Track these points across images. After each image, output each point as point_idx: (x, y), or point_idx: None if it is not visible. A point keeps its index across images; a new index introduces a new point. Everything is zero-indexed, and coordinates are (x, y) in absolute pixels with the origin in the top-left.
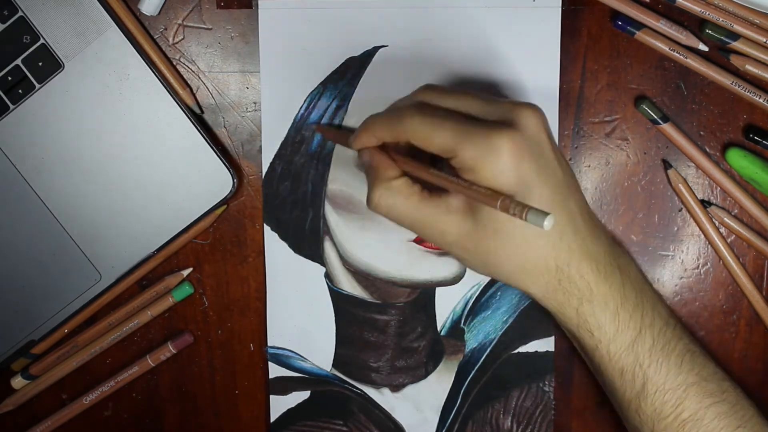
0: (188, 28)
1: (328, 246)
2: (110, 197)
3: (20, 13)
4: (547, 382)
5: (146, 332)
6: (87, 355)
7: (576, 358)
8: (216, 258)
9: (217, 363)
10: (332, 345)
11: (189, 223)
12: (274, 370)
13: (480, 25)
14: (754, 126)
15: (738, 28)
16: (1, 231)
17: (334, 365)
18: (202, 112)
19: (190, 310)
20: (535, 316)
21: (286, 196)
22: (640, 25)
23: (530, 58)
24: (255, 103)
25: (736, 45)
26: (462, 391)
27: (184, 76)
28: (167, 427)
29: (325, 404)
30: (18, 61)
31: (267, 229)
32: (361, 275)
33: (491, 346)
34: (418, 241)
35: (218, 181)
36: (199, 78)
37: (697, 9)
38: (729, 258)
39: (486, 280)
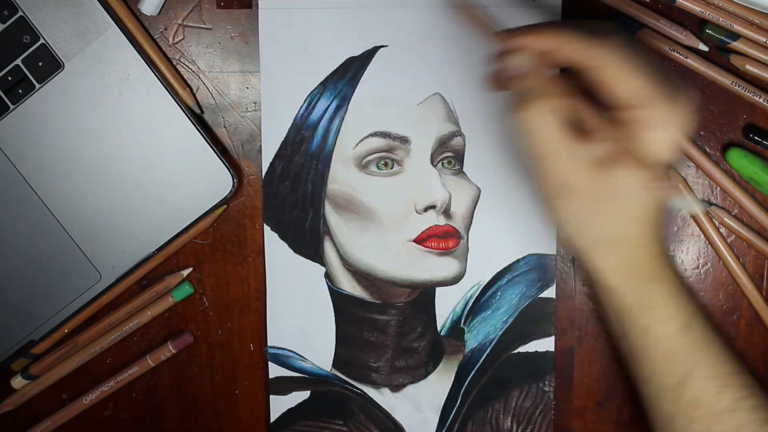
0: (188, 28)
1: (328, 246)
2: (110, 197)
3: (20, 13)
4: (547, 382)
5: (146, 332)
6: (87, 355)
7: (576, 358)
8: (216, 258)
9: (217, 363)
10: (332, 345)
11: (189, 223)
12: (274, 370)
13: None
14: (754, 126)
15: (738, 28)
16: (1, 231)
17: (334, 365)
18: (202, 112)
19: (190, 310)
20: (535, 316)
21: (286, 196)
22: (640, 25)
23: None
24: (255, 103)
25: (736, 45)
26: (462, 391)
27: (184, 76)
28: (167, 427)
29: (325, 404)
30: (18, 61)
31: (267, 229)
32: (361, 275)
33: (491, 346)
34: (418, 240)
35: (218, 181)
36: (199, 78)
37: (697, 9)
38: (729, 258)
39: (486, 280)
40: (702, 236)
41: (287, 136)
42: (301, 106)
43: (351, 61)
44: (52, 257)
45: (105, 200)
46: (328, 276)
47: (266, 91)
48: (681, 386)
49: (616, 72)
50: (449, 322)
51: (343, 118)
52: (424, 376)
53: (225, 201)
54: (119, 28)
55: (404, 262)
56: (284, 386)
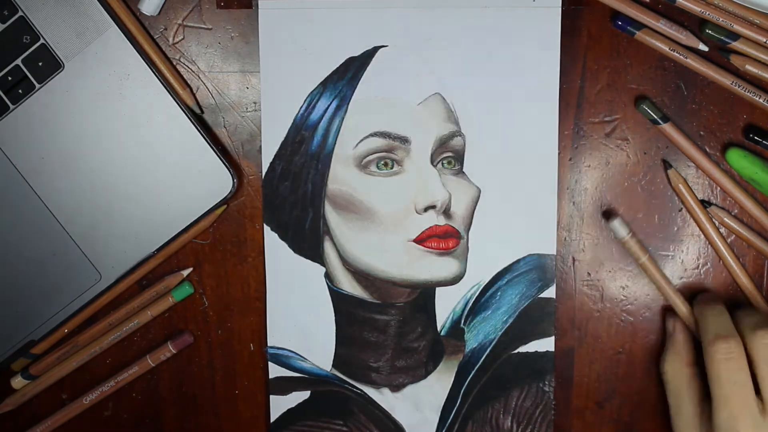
0: (188, 28)
1: (328, 246)
2: (110, 197)
3: (20, 13)
4: (547, 382)
5: (146, 332)
6: (87, 355)
7: (576, 358)
8: (216, 258)
9: (217, 363)
10: (332, 345)
11: (189, 223)
12: (274, 370)
13: (480, 25)
14: (754, 126)
15: (738, 28)
16: (1, 231)
17: (334, 365)
18: (202, 112)
19: (190, 310)
20: (535, 316)
21: (286, 196)
22: (640, 25)
23: (530, 58)
24: (255, 103)
25: (736, 45)
26: (462, 391)
27: (184, 76)
28: (167, 427)
29: (325, 404)
30: (18, 61)
31: (267, 229)
32: (361, 275)
33: (491, 346)
34: (418, 240)
35: (218, 181)
36: (199, 78)
37: (697, 9)
38: (729, 258)
39: (486, 280)
40: (702, 236)
41: (287, 136)
42: (301, 106)
43: (351, 61)
44: (52, 257)
45: (105, 200)
46: (328, 276)
47: (266, 91)
48: None
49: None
50: (449, 322)
51: (343, 118)
52: (424, 376)
53: (225, 201)
54: (119, 28)
55: (404, 262)
56: (284, 386)
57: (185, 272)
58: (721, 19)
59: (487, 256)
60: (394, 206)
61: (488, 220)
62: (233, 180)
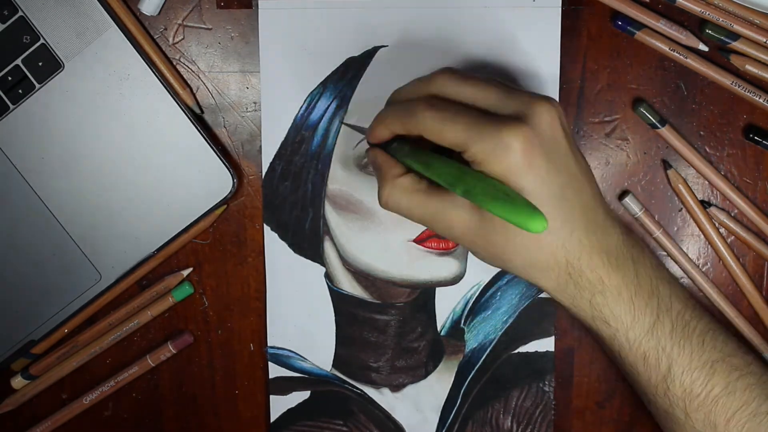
0: (188, 28)
1: (328, 246)
2: (110, 197)
3: (20, 13)
4: (547, 382)
5: (146, 332)
6: (87, 355)
7: (576, 358)
8: (216, 258)
9: (217, 363)
10: (332, 345)
11: (189, 223)
12: (274, 370)
13: (480, 25)
14: (754, 126)
15: (738, 28)
16: (1, 231)
17: (334, 365)
18: (202, 112)
19: (190, 310)
20: (535, 316)
21: (286, 196)
22: (640, 25)
23: (530, 58)
24: (255, 103)
25: (736, 45)
26: (462, 391)
27: (184, 76)
28: (167, 427)
29: (325, 404)
30: (18, 61)
31: (267, 229)
32: (361, 275)
33: (491, 346)
34: (419, 240)
35: (218, 181)
36: (199, 78)
37: (697, 9)
38: (729, 258)
39: (486, 280)
40: (702, 236)
41: (287, 136)
42: (301, 106)
43: (351, 61)
44: (52, 257)
45: (105, 200)
46: (328, 276)
47: (266, 91)
48: (666, 382)
49: (432, 132)
50: (449, 322)
51: (343, 118)
52: (424, 376)
53: (225, 201)
54: (119, 28)
55: (404, 262)
56: (284, 386)
57: (185, 272)
58: (721, 19)
59: None
60: None
61: None
62: (233, 180)
